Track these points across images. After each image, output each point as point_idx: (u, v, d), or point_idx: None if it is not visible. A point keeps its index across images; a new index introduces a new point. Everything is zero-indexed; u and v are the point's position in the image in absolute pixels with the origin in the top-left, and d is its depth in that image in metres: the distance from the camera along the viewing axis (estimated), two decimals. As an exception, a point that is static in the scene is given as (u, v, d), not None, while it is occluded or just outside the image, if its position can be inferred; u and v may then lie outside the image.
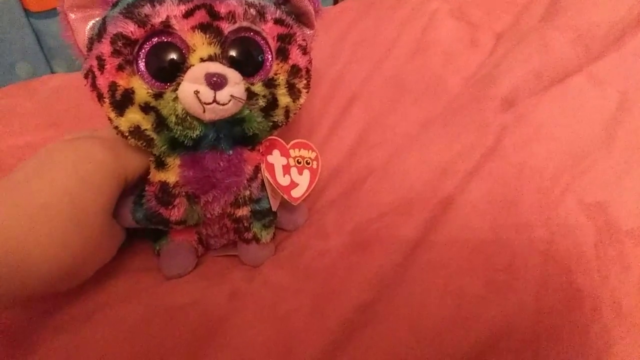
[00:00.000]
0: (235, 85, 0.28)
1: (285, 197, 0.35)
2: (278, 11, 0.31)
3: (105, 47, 0.29)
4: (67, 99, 0.52)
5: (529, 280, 0.33)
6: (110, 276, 0.35)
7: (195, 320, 0.32)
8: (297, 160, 0.36)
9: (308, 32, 0.34)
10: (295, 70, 0.31)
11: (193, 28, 0.28)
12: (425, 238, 0.35)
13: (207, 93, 0.27)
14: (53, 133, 0.47)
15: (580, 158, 0.37)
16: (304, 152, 0.37)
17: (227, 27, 0.28)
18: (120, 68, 0.28)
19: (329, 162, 0.42)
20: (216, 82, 0.27)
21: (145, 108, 0.29)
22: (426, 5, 0.51)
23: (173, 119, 0.29)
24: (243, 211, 0.34)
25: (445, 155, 0.38)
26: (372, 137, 0.42)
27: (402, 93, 0.44)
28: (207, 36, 0.28)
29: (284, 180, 0.35)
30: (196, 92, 0.27)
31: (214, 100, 0.28)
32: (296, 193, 0.36)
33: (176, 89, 0.28)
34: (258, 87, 0.30)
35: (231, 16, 0.29)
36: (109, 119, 0.30)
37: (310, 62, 0.33)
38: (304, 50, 0.32)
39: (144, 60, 0.29)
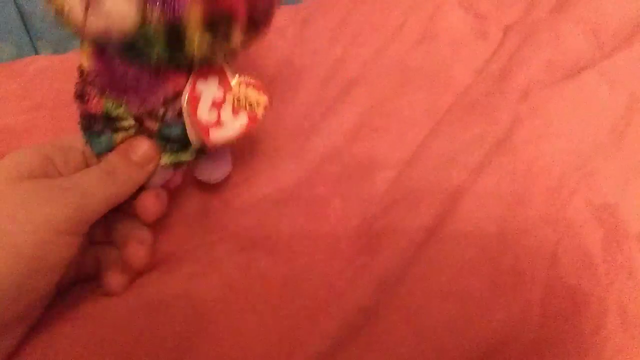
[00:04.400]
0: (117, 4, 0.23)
1: (200, 135, 0.30)
2: None
3: None
4: (51, 80, 0.50)
5: (535, 283, 0.32)
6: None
7: (184, 315, 0.30)
8: (238, 99, 0.30)
9: None
10: (221, 12, 0.25)
11: None
12: (431, 235, 0.34)
13: (75, 8, 0.23)
14: (35, 115, 0.45)
15: (589, 158, 0.37)
16: (251, 93, 0.30)
17: None
18: None
19: (327, 141, 0.40)
20: None
21: None
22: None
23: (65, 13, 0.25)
24: (152, 124, 0.30)
25: (455, 145, 0.37)
26: (375, 120, 0.41)
27: (407, 79, 0.43)
28: None
29: (207, 115, 0.29)
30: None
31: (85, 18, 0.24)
32: (216, 134, 0.30)
33: None
34: (154, 14, 0.24)
35: None
36: None
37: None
38: None
39: None
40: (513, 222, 0.34)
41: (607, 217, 0.34)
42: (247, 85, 0.30)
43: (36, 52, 0.60)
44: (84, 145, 0.31)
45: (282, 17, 0.51)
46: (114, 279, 0.31)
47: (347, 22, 0.49)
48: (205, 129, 0.30)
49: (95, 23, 0.23)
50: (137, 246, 0.32)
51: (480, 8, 0.47)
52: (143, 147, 0.30)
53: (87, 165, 0.31)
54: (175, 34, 0.25)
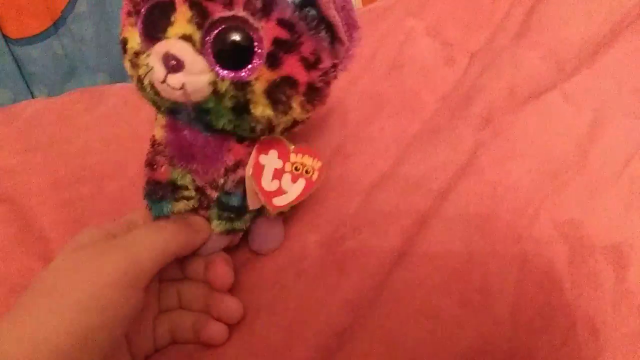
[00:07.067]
0: (192, 75, 0.26)
1: (265, 203, 0.32)
2: (291, 12, 0.27)
3: None
4: (46, 123, 0.52)
5: (504, 300, 0.33)
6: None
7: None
8: (296, 167, 0.33)
9: (338, 48, 0.30)
10: (286, 83, 0.28)
11: (184, 0, 0.26)
12: (401, 257, 0.35)
13: (158, 71, 0.26)
14: (28, 156, 0.47)
15: (553, 176, 0.38)
16: (306, 160, 0.33)
17: (219, 12, 0.26)
18: (129, 14, 0.29)
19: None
20: (171, 65, 0.26)
21: (131, 62, 0.29)
22: (402, 24, 0.52)
23: (146, 80, 0.28)
24: (213, 193, 0.33)
25: (421, 170, 0.39)
26: (348, 147, 0.42)
27: (378, 107, 0.45)
28: (191, 14, 0.26)
29: (270, 185, 0.32)
30: (150, 67, 0.26)
31: (164, 81, 0.26)
32: (279, 201, 0.33)
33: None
34: (224, 85, 0.27)
35: (228, 2, 0.26)
36: None
37: (323, 80, 0.30)
38: (309, 64, 0.28)
39: (142, 14, 0.28)
40: (480, 242, 0.35)
41: (572, 232, 0.35)
42: (303, 153, 0.33)
43: (32, 96, 0.62)
44: (145, 216, 0.33)
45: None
46: (218, 329, 0.32)
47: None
48: (269, 198, 0.32)
49: (172, 86, 0.26)
50: (230, 299, 0.33)
51: (447, 35, 0.49)
52: (196, 218, 0.33)
53: None
54: (241, 104, 0.28)
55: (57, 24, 0.61)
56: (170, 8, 0.27)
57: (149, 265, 0.29)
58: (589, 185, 0.38)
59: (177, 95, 0.27)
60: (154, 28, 0.27)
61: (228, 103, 0.27)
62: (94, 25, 0.62)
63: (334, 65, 0.30)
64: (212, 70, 0.27)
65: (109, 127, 0.49)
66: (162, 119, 0.32)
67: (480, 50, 0.46)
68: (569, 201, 0.37)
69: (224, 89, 0.27)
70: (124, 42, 0.29)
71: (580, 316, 0.33)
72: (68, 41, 0.62)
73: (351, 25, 0.30)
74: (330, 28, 0.29)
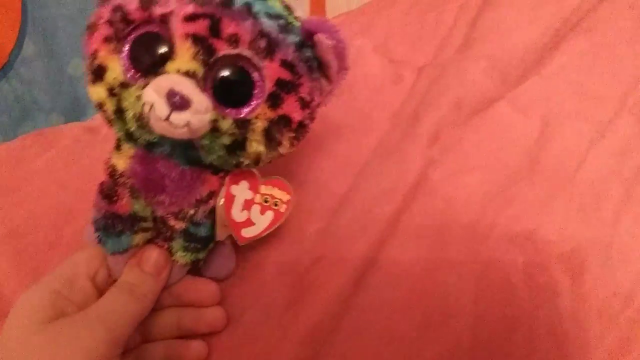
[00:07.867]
0: (197, 114, 0.25)
1: (234, 234, 0.32)
2: (292, 53, 0.27)
3: (105, 12, 0.28)
4: (-1, 170, 0.51)
5: (463, 317, 0.33)
6: None
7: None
8: (265, 199, 0.33)
9: (325, 86, 0.30)
10: (282, 121, 0.28)
11: (187, 35, 0.26)
12: (360, 283, 0.35)
13: (161, 109, 0.25)
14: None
15: (506, 187, 0.38)
16: (275, 192, 0.33)
17: (224, 49, 0.26)
18: (106, 40, 0.27)
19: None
20: (176, 103, 0.25)
21: (110, 91, 0.27)
22: (350, 42, 0.52)
23: (130, 114, 0.27)
24: (178, 224, 0.32)
25: (374, 193, 0.39)
26: (301, 173, 0.42)
27: (330, 130, 0.44)
28: (195, 50, 0.26)
29: (239, 216, 0.32)
30: (151, 105, 0.25)
31: (167, 119, 0.25)
32: (247, 232, 0.33)
33: (144, 87, 0.26)
34: (226, 123, 0.27)
35: (234, 39, 0.26)
36: None
37: (310, 117, 0.30)
38: (304, 103, 0.29)
39: (129, 43, 0.27)
40: (438, 261, 0.35)
41: (527, 242, 0.36)
42: (273, 185, 0.33)
43: (-13, 140, 0.61)
44: (87, 259, 0.32)
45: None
46: (200, 347, 0.33)
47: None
48: (238, 229, 0.32)
49: (176, 125, 0.25)
50: (212, 307, 0.33)
51: (395, 52, 0.49)
52: (153, 256, 0.31)
53: (95, 288, 0.31)
54: (238, 142, 0.28)
55: (5, 68, 0.60)
56: (166, 40, 0.26)
57: (126, 332, 0.28)
58: (541, 193, 0.38)
59: (179, 133, 0.26)
60: (145, 60, 0.27)
61: (225, 140, 0.27)
62: (44, 66, 0.62)
63: (319, 103, 0.31)
64: (216, 108, 0.26)
65: (61, 170, 0.48)
66: (129, 150, 0.30)
67: (427, 65, 0.46)
68: (522, 211, 0.37)
69: (225, 127, 0.27)
70: (102, 70, 0.27)
71: (540, 326, 0.33)
72: (18, 84, 0.61)
73: (342, 68, 0.30)
74: (321, 67, 0.29)
